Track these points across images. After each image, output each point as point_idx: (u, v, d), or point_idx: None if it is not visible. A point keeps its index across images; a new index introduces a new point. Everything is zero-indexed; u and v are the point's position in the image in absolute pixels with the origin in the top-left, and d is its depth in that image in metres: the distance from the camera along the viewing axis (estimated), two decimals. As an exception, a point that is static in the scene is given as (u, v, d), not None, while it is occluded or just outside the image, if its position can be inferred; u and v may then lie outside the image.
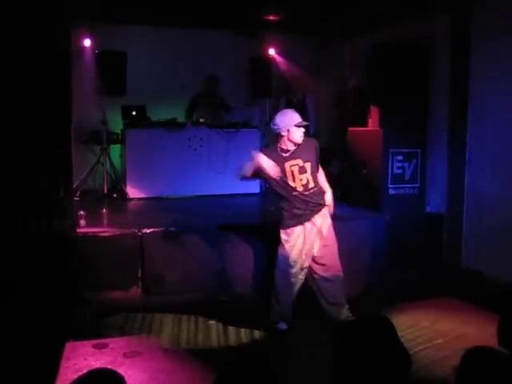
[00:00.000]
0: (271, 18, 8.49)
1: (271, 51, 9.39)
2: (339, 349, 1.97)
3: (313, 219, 4.79)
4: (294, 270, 4.81)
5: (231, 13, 8.08)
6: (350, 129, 7.53)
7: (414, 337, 4.54)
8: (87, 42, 8.28)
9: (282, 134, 4.69)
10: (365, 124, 7.29)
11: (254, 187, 8.50)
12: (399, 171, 6.92)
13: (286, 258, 4.79)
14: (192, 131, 8.20)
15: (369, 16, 7.77)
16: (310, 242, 4.80)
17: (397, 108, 6.82)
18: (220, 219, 6.41)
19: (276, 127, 4.70)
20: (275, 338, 4.77)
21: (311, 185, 4.77)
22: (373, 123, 7.12)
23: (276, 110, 9.22)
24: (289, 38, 9.25)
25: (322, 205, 4.84)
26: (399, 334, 2.04)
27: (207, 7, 7.76)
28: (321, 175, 4.99)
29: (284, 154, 4.74)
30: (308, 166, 4.75)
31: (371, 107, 7.13)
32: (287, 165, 4.72)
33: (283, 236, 4.83)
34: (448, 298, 5.70)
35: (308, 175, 4.75)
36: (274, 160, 4.66)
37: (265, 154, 4.70)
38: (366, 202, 7.01)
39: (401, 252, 6.46)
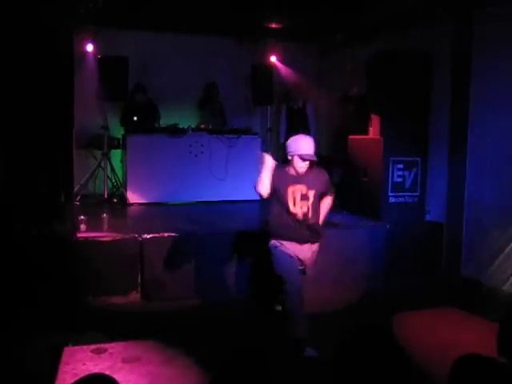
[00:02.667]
0: (273, 25, 8.53)
1: (273, 58, 9.43)
2: (341, 359, 1.97)
3: (305, 244, 4.63)
4: (296, 269, 4.60)
5: (234, 20, 8.11)
6: (351, 137, 7.55)
7: (412, 345, 4.52)
8: (90, 47, 8.31)
9: (289, 157, 4.53)
10: (365, 132, 7.31)
11: (254, 194, 8.50)
12: (399, 179, 6.94)
13: (286, 258, 4.57)
14: (193, 137, 8.22)
15: (370, 25, 7.81)
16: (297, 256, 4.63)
17: (397, 117, 6.85)
18: (220, 225, 6.41)
19: (286, 149, 4.55)
20: (272, 340, 4.77)
21: (310, 214, 4.57)
22: (373, 131, 7.14)
23: (278, 117, 9.31)
24: (290, 45, 9.30)
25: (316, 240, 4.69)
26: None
27: (210, 14, 7.80)
28: (324, 206, 4.77)
29: (290, 176, 4.54)
30: (312, 194, 4.56)
31: (372, 116, 7.15)
32: (290, 188, 4.52)
33: (274, 242, 4.63)
34: (447, 307, 5.69)
35: (310, 204, 4.56)
36: (278, 178, 4.49)
37: (276, 168, 4.53)
38: (366, 209, 7.02)
39: (400, 260, 6.46)
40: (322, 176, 4.70)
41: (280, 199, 4.56)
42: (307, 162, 4.50)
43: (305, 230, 4.59)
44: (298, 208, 4.54)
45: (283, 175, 4.55)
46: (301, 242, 4.60)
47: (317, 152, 4.58)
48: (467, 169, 6.52)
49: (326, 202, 4.80)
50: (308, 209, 4.57)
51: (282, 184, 4.53)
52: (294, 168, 4.52)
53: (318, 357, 4.39)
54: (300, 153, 4.46)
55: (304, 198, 4.55)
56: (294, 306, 4.49)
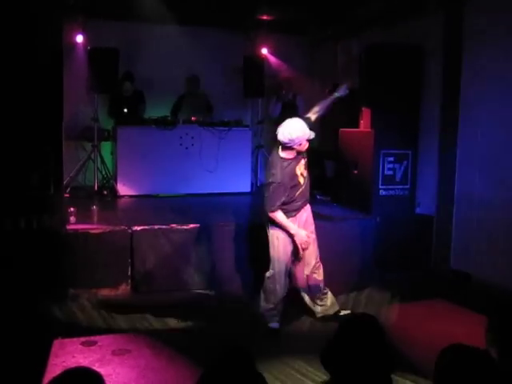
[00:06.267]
0: (265, 17, 8.50)
1: (264, 51, 9.39)
2: (328, 347, 2.00)
3: (303, 208, 4.98)
4: (287, 266, 4.91)
5: (225, 12, 8.07)
6: (342, 130, 7.55)
7: (401, 338, 4.55)
8: (79, 38, 8.24)
9: (294, 146, 4.71)
10: (356, 125, 7.31)
11: (244, 186, 8.52)
12: (390, 172, 6.94)
13: (282, 254, 4.87)
14: (184, 129, 8.19)
15: (362, 18, 7.79)
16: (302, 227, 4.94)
17: (388, 109, 6.83)
18: (211, 218, 6.41)
19: (291, 142, 4.68)
20: (264, 336, 4.79)
21: (306, 173, 4.94)
22: (364, 124, 7.13)
23: (267, 109, 9.28)
24: (282, 37, 9.27)
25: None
26: (386, 334, 2.07)
27: (201, 6, 7.75)
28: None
29: (292, 162, 4.78)
30: (305, 161, 4.90)
31: (363, 108, 7.14)
32: (297, 168, 4.81)
33: (278, 233, 4.87)
34: (436, 300, 5.72)
35: (304, 164, 4.90)
36: (289, 172, 4.74)
37: (281, 172, 4.72)
38: (357, 202, 7.03)
39: (390, 253, 6.48)
40: None
41: (292, 185, 4.80)
42: None
43: (304, 195, 4.93)
44: (304, 178, 4.89)
45: (289, 167, 4.77)
46: (301, 207, 4.93)
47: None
48: (457, 162, 6.55)
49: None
50: (305, 168, 4.92)
51: (291, 173, 4.78)
52: (302, 150, 4.78)
53: (280, 328, 4.90)
54: (310, 137, 4.72)
55: (305, 166, 4.90)
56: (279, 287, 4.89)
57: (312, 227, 5.08)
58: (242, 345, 1.99)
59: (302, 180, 4.85)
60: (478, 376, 1.92)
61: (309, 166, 4.99)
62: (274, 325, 4.91)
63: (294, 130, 4.65)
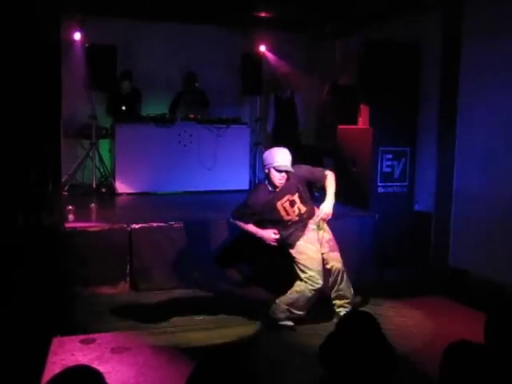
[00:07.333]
0: (263, 14, 8.48)
1: (262, 48, 9.38)
2: (325, 345, 2.00)
3: (308, 225, 4.84)
4: (318, 275, 4.74)
5: (223, 9, 8.06)
6: (340, 127, 7.54)
7: (401, 335, 4.55)
8: (77, 36, 8.23)
9: (265, 171, 4.61)
10: (355, 122, 7.30)
11: (243, 183, 8.51)
12: (388, 170, 6.94)
13: (308, 266, 4.72)
14: (182, 127, 8.18)
15: (360, 14, 7.79)
16: (314, 241, 4.81)
17: (387, 107, 6.84)
18: (209, 215, 6.41)
19: (264, 163, 4.62)
20: (262, 333, 4.79)
21: (303, 210, 4.75)
22: (363, 121, 7.13)
23: (266, 107, 9.28)
24: (280, 35, 9.24)
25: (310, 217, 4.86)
26: (385, 331, 2.08)
27: (199, 3, 7.74)
28: (330, 180, 4.86)
29: (273, 192, 4.64)
30: (296, 196, 4.70)
31: (361, 105, 7.14)
32: (279, 204, 4.66)
33: (294, 253, 4.77)
34: (435, 297, 5.73)
35: (299, 204, 4.72)
36: (265, 201, 4.62)
37: (256, 197, 4.66)
38: (355, 199, 7.02)
39: (389, 250, 6.48)
40: (298, 172, 4.74)
41: (271, 218, 4.71)
42: (284, 174, 4.55)
43: (300, 223, 4.76)
44: (291, 214, 4.71)
45: (267, 195, 4.65)
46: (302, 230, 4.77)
47: (292, 163, 4.63)
48: (456, 159, 6.55)
49: (330, 183, 4.86)
50: (299, 209, 4.72)
51: (269, 206, 4.65)
52: (273, 181, 4.58)
53: (293, 326, 4.76)
54: (275, 165, 4.52)
55: (292, 203, 4.70)
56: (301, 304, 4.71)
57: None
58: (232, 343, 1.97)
59: (285, 215, 4.67)
60: (485, 372, 1.92)
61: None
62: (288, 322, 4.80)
63: (268, 151, 4.62)
